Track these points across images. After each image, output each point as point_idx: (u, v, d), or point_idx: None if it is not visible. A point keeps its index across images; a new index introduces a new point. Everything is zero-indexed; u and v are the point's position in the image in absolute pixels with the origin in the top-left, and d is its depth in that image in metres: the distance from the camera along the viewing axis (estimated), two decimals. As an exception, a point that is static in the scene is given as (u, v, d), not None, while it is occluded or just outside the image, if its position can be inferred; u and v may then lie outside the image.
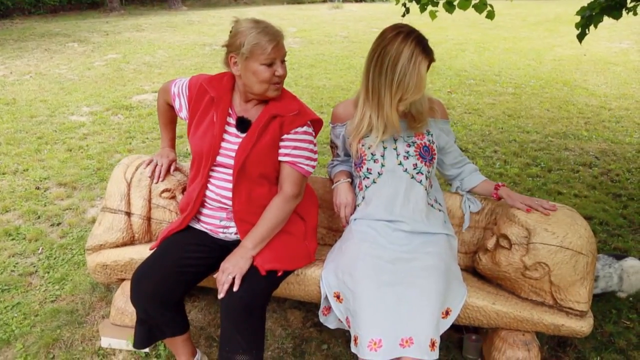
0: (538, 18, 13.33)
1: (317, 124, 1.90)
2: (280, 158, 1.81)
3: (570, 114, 5.64)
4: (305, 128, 1.82)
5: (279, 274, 1.77)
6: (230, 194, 1.81)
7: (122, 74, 7.18)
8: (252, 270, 1.70)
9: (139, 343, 1.84)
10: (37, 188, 3.65)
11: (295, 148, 1.80)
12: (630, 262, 2.52)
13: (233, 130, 1.83)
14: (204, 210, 1.91)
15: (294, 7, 17.24)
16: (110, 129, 4.94)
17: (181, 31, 10.90)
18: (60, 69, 7.39)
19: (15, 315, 2.36)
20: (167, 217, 2.17)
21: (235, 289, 1.64)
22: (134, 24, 11.81)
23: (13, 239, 3.00)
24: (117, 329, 2.18)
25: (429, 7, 3.46)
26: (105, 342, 2.18)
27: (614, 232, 3.17)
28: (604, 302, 2.48)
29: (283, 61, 1.77)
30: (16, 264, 2.76)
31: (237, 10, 15.30)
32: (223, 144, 1.82)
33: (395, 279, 1.71)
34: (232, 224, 1.86)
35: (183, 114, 1.95)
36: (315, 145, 1.88)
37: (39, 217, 3.25)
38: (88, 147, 4.46)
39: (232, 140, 1.82)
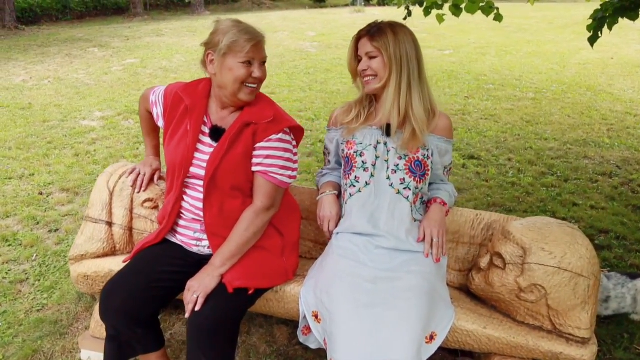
0: (565, 21, 12.93)
1: (297, 132, 1.80)
2: (252, 168, 1.72)
3: (592, 120, 5.40)
4: (280, 135, 1.72)
5: (250, 292, 1.67)
6: (202, 206, 1.73)
7: (138, 78, 7.23)
8: (220, 289, 1.61)
9: (109, 360, 1.77)
10: (40, 193, 3.65)
11: (267, 157, 1.70)
12: (645, 282, 2.34)
13: (207, 140, 1.74)
14: (181, 222, 1.83)
15: (316, 11, 17.23)
16: (119, 134, 4.95)
17: (200, 36, 10.95)
18: (78, 73, 7.50)
19: (0, 324, 2.33)
20: (148, 227, 2.11)
21: (197, 308, 1.55)
22: (154, 29, 11.96)
23: (9, 245, 2.99)
24: (96, 342, 2.12)
25: (434, 11, 3.33)
26: (85, 355, 2.13)
27: (631, 248, 2.97)
28: (615, 325, 2.29)
29: (263, 64, 1.70)
30: (9, 270, 2.74)
31: (259, 15, 15.34)
32: (196, 154, 1.73)
33: (375, 300, 1.60)
34: (206, 236, 1.78)
35: (160, 122, 1.88)
36: (294, 154, 1.77)
37: (37, 223, 3.24)
38: (95, 152, 4.47)
39: (206, 150, 1.73)
